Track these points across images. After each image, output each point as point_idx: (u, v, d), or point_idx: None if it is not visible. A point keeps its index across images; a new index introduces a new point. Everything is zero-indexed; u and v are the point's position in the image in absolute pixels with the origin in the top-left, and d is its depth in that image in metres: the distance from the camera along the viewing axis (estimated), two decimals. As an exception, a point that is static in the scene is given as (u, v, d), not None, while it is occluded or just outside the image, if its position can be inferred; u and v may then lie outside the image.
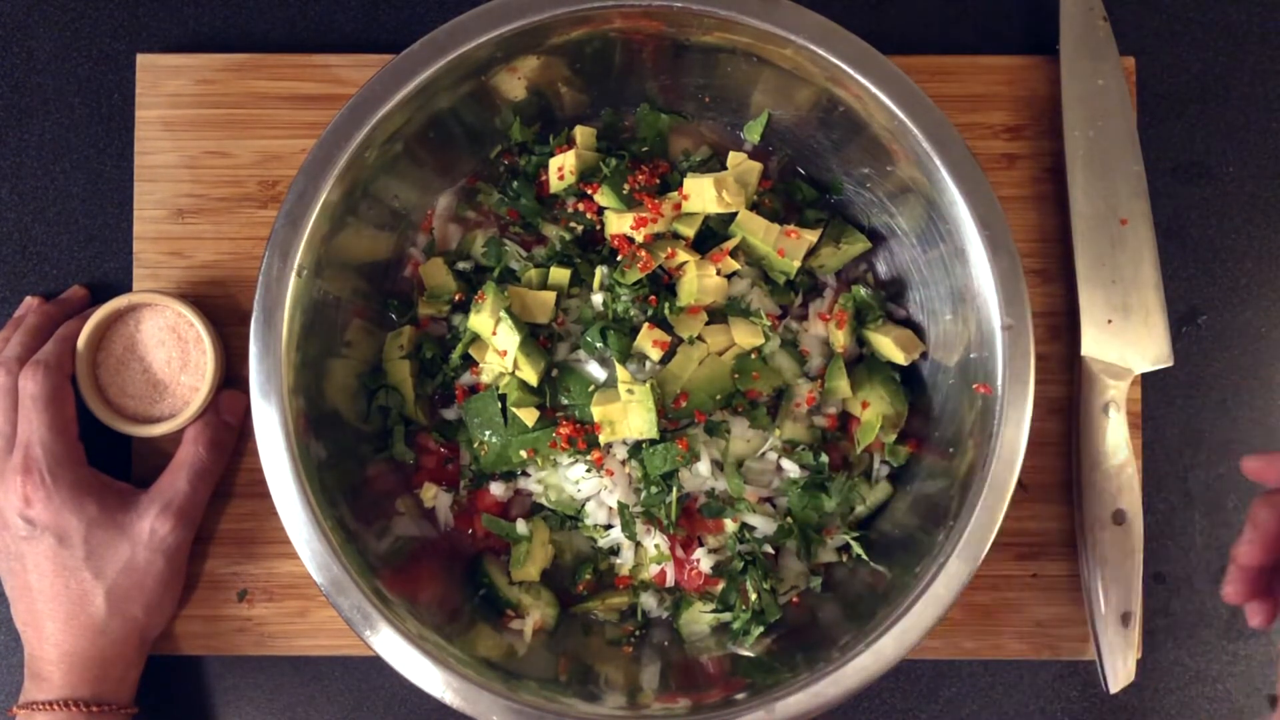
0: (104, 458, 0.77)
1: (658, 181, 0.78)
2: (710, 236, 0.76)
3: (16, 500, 0.72)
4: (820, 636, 0.71)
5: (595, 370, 0.74)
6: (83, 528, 0.72)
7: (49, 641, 0.73)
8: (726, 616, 0.76)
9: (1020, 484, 0.67)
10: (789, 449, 0.75)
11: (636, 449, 0.74)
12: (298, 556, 0.67)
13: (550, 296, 0.74)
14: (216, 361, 0.76)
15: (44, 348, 0.75)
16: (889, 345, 0.75)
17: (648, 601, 0.77)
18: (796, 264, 0.76)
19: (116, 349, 0.77)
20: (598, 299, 0.74)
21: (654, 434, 0.71)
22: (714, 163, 0.79)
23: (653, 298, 0.73)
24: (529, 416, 0.73)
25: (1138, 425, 0.80)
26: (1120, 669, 0.76)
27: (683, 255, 0.74)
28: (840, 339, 0.76)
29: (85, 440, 0.75)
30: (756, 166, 0.77)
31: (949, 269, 0.72)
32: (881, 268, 0.79)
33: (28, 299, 0.81)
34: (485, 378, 0.75)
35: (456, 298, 0.77)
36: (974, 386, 0.70)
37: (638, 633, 0.77)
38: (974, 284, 0.69)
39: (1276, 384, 0.82)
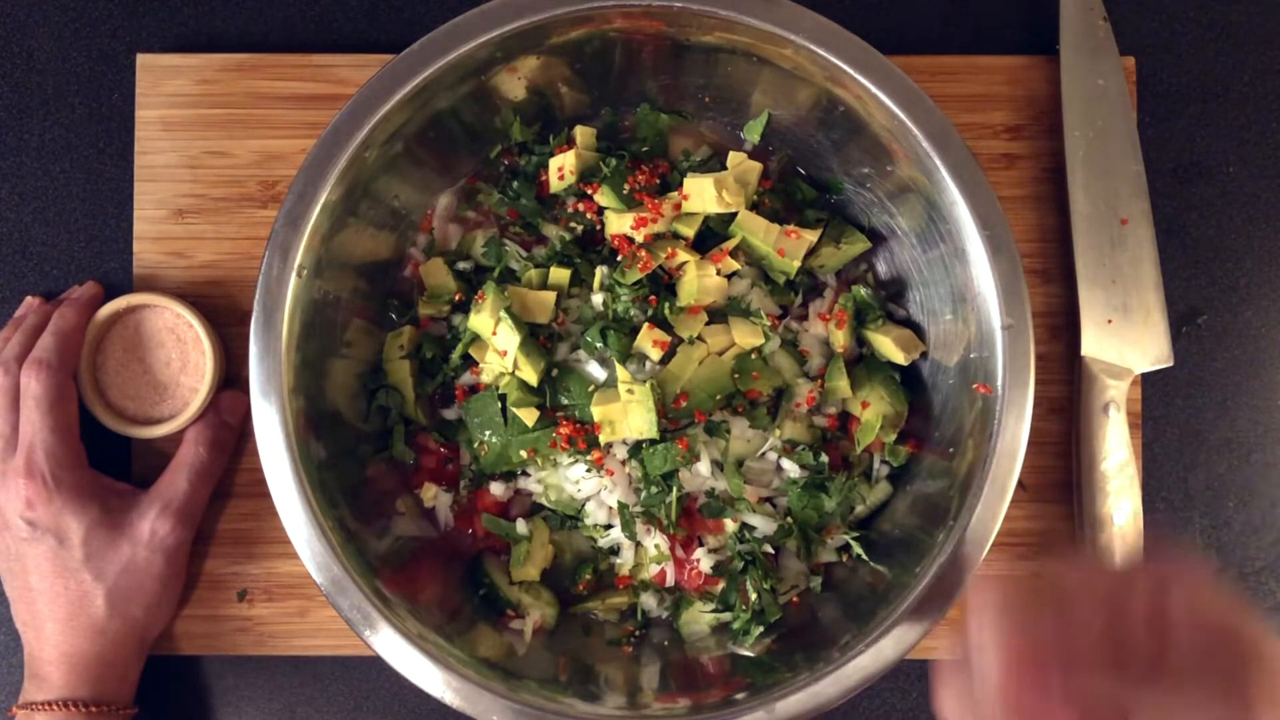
0: (103, 458, 0.77)
1: (658, 181, 0.78)
2: (710, 236, 0.76)
3: (18, 503, 0.72)
4: (820, 636, 0.71)
5: (595, 370, 0.74)
6: (83, 529, 0.72)
7: (49, 642, 0.73)
8: (726, 616, 0.76)
9: (1020, 484, 0.67)
10: (789, 449, 0.75)
11: (636, 449, 0.74)
12: (298, 556, 0.67)
13: (550, 296, 0.74)
14: (215, 362, 0.76)
15: (43, 344, 0.74)
16: (889, 345, 0.75)
17: (648, 601, 0.77)
18: (796, 264, 0.76)
19: (116, 350, 0.77)
20: (598, 299, 0.74)
21: (654, 434, 0.71)
22: (714, 163, 0.79)
23: (653, 298, 0.73)
24: (529, 416, 0.73)
25: (1138, 425, 0.80)
26: (1120, 669, 0.76)
27: (683, 255, 0.74)
28: (840, 339, 0.76)
29: (84, 440, 0.75)
30: (756, 166, 0.77)
31: (949, 269, 0.72)
32: (881, 268, 0.79)
33: (28, 299, 0.80)
34: (485, 378, 0.75)
35: (456, 298, 0.77)
36: (974, 386, 0.70)
37: (638, 633, 0.77)
38: (974, 284, 0.69)
39: (1276, 384, 0.82)
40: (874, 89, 0.68)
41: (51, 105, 0.83)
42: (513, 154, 0.79)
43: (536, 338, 0.74)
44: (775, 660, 0.72)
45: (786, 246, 0.75)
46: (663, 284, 0.75)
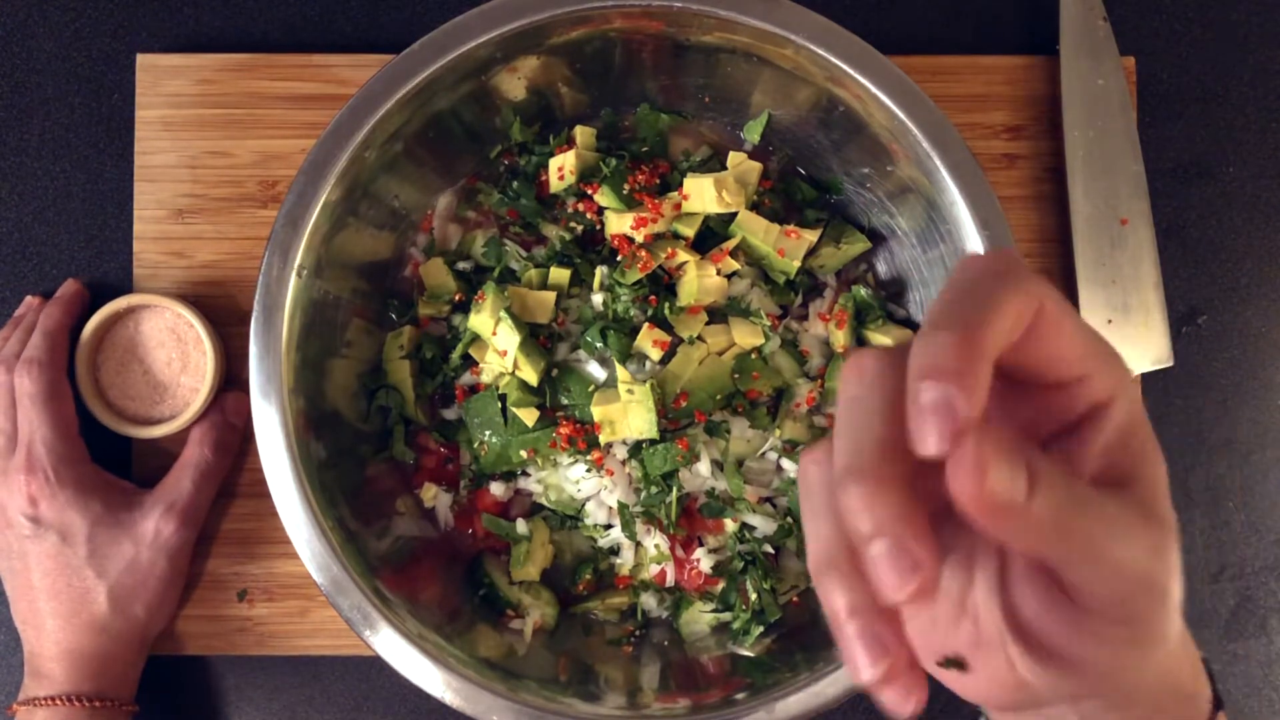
0: (104, 458, 0.77)
1: (658, 181, 0.78)
2: (710, 236, 0.76)
3: (21, 500, 0.72)
4: (820, 636, 0.71)
5: (595, 370, 0.74)
6: (86, 526, 0.72)
7: (50, 639, 0.73)
8: (726, 616, 0.76)
9: (1020, 484, 0.67)
10: (789, 449, 0.76)
11: (636, 449, 0.74)
12: (298, 556, 0.67)
13: (550, 296, 0.74)
14: (216, 362, 0.76)
15: (32, 344, 0.74)
16: (889, 345, 0.75)
17: (648, 601, 0.77)
18: (796, 264, 0.76)
19: (117, 351, 0.77)
20: (598, 299, 0.74)
21: (654, 434, 0.71)
22: (714, 163, 0.79)
23: (653, 298, 0.73)
24: (529, 416, 0.73)
25: (1138, 425, 0.80)
26: (1120, 669, 0.76)
27: (683, 255, 0.74)
28: (840, 339, 0.76)
29: (84, 440, 0.75)
30: (756, 166, 0.77)
31: (949, 269, 0.72)
32: (881, 268, 0.79)
33: (28, 298, 0.80)
34: (485, 378, 0.75)
35: (456, 298, 0.77)
36: (974, 386, 0.69)
37: (638, 633, 0.77)
38: (974, 284, 0.69)
39: (1276, 384, 0.82)
40: (874, 89, 0.68)
41: (51, 105, 0.83)
42: (513, 154, 0.79)
43: (536, 338, 0.74)
44: (775, 660, 0.72)
45: (786, 246, 0.75)
46: (663, 284, 0.75)
